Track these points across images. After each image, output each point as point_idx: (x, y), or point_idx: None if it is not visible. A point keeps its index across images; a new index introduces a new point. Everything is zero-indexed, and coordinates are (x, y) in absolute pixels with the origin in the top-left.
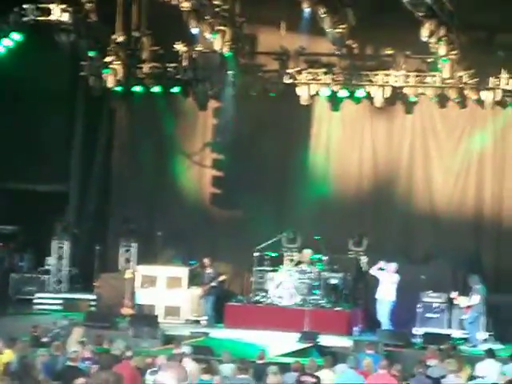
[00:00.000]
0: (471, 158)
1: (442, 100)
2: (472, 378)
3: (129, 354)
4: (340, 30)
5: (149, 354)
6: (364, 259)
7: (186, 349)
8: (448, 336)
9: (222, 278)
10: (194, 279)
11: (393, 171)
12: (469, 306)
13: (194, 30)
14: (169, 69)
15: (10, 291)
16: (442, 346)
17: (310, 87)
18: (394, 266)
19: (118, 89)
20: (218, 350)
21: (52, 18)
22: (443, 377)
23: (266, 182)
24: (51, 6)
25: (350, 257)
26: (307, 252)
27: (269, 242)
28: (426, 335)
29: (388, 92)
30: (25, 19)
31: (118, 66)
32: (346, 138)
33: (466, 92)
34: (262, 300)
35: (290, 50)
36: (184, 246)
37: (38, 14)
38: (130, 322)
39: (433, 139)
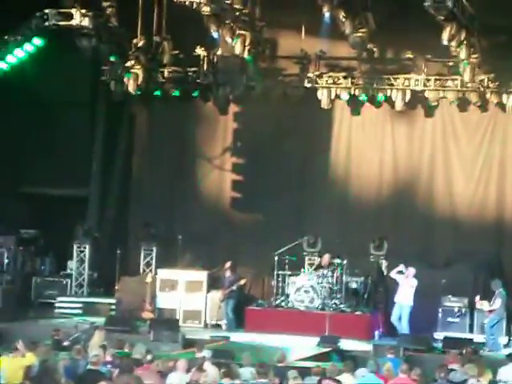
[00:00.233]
0: (492, 162)
1: (463, 104)
2: (493, 382)
3: (149, 357)
4: (360, 34)
5: (169, 357)
6: (384, 263)
7: (206, 353)
8: (469, 340)
9: (242, 281)
10: (215, 283)
11: (413, 175)
12: (491, 311)
13: (215, 35)
14: (189, 73)
15: (32, 295)
16: (463, 351)
17: (331, 91)
18: (412, 270)
19: (139, 93)
20: (238, 354)
21: (73, 22)
22: (464, 381)
23: (287, 186)
24: (72, 11)
25: (370, 261)
26: (327, 256)
27: (289, 246)
28: (447, 339)
29: (408, 96)
30: (46, 24)
31: (138, 70)
32: (366, 142)
33: (487, 96)
34: (282, 304)
35: (310, 53)
36: (204, 250)
37: (60, 18)
38: (151, 325)
39: (453, 143)
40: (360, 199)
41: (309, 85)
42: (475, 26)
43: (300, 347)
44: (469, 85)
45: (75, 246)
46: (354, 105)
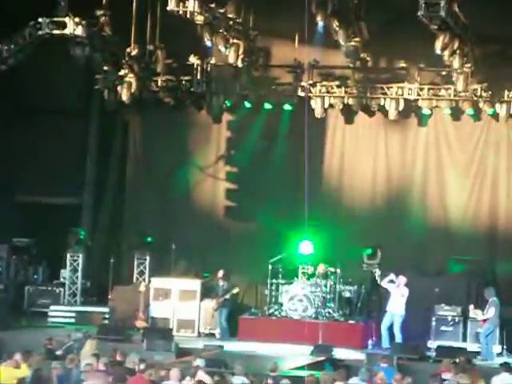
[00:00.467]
0: (485, 171)
1: (456, 113)
2: None
3: (142, 366)
4: (354, 43)
5: (162, 367)
6: (378, 272)
7: (199, 362)
8: (463, 349)
9: (235, 290)
10: (208, 292)
11: (406, 184)
12: (485, 320)
13: (208, 43)
14: (183, 82)
15: (25, 304)
16: (456, 360)
17: (324, 100)
18: (403, 279)
19: (132, 102)
20: (231, 362)
21: (67, 31)
22: None
23: (280, 195)
24: (66, 20)
25: (363, 270)
26: (321, 265)
27: (282, 255)
28: (440, 348)
29: (402, 105)
30: (40, 33)
31: (132, 79)
32: (359, 151)
33: (480, 105)
34: (275, 313)
35: (303, 62)
36: (197, 259)
37: (53, 27)
38: (144, 334)
39: (447, 152)
40: (353, 208)
41: (302, 94)
42: (468, 35)
43: (293, 356)
44: (462, 94)
45: (68, 255)
46: (348, 114)
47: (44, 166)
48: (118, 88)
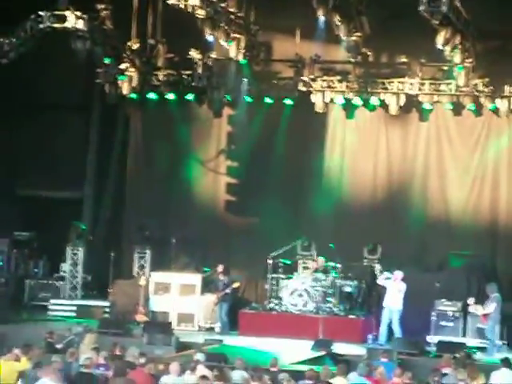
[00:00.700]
0: (486, 166)
1: (457, 108)
2: None
3: (142, 360)
4: (355, 38)
5: (162, 360)
6: (378, 267)
7: (199, 356)
8: (463, 344)
9: (235, 285)
10: (208, 286)
11: (407, 179)
12: (485, 315)
13: (209, 38)
14: (184, 76)
15: (25, 297)
16: (456, 355)
17: (325, 95)
18: (400, 274)
19: (133, 96)
20: (231, 357)
21: (68, 25)
22: None
23: (281, 190)
24: (67, 13)
25: (364, 264)
26: (321, 259)
27: (283, 249)
28: (441, 343)
29: (403, 100)
30: (41, 26)
31: (133, 73)
32: (360, 146)
33: (481, 100)
34: (275, 307)
35: (304, 57)
36: (198, 253)
37: (54, 21)
38: (144, 328)
39: (448, 147)
40: (354, 203)
41: (303, 88)
42: (470, 30)
43: (293, 351)
44: (463, 89)
45: (69, 249)
46: (349, 108)
47: (45, 160)
48: (119, 82)
